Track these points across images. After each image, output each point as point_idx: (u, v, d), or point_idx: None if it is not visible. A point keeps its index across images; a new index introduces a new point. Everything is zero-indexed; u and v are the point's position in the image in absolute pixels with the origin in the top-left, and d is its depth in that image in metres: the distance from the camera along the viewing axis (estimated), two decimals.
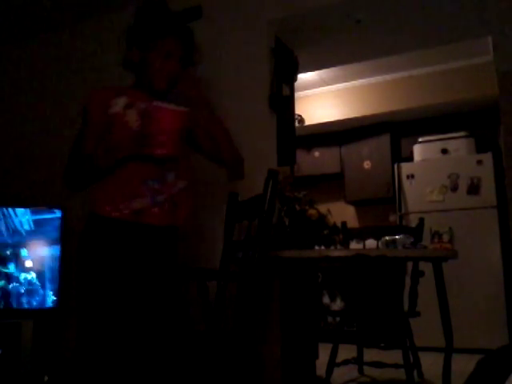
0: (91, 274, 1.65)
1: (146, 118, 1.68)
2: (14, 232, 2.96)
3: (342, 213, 4.87)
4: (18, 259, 2.94)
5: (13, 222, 2.98)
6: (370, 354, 3.21)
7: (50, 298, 2.93)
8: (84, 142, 1.69)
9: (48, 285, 2.94)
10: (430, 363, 3.10)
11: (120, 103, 1.68)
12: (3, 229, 2.96)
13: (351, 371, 3.17)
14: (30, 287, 2.93)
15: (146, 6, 1.80)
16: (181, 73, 1.81)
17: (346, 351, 3.10)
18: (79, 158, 1.67)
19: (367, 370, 3.14)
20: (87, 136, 1.70)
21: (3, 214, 2.97)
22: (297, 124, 3.41)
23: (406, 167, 4.62)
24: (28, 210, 2.99)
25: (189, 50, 1.85)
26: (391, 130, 5.04)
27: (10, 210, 2.98)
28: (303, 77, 4.00)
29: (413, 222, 4.01)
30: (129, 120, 1.67)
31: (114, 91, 1.74)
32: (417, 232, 2.96)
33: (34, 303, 2.91)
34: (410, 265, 2.96)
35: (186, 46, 1.82)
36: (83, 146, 1.68)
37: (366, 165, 5.13)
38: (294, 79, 3.12)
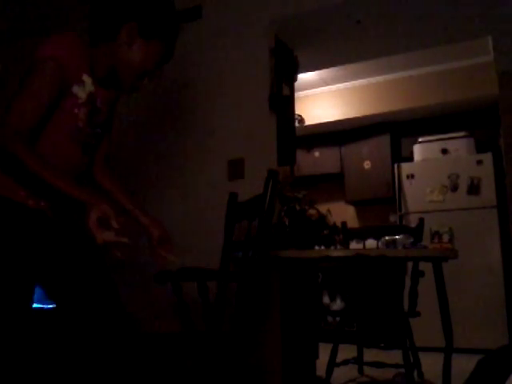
0: None
1: (92, 121, 1.47)
2: None
3: (342, 213, 4.88)
4: None
5: None
6: (369, 354, 3.21)
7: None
8: (27, 105, 1.31)
9: None
10: (430, 363, 3.09)
11: (86, 88, 1.42)
12: None
13: (351, 371, 3.17)
14: None
15: None
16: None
17: (346, 351, 3.10)
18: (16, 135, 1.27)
19: (367, 369, 3.14)
20: (35, 98, 1.32)
21: None
22: (297, 124, 3.41)
23: (405, 167, 4.62)
24: None
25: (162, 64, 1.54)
26: (391, 130, 5.04)
27: None
28: (303, 77, 4.01)
29: (413, 221, 4.01)
30: (79, 116, 1.42)
31: (86, 60, 1.42)
32: (417, 232, 2.96)
33: (34, 303, 2.91)
34: (410, 265, 2.96)
35: (166, 60, 1.53)
36: (23, 112, 1.30)
37: (366, 165, 5.13)
38: (294, 79, 3.12)
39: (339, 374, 2.98)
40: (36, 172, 1.25)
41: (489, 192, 4.20)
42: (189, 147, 2.97)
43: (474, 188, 4.26)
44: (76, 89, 1.39)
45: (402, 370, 2.65)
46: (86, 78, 1.42)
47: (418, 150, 4.66)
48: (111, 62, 1.45)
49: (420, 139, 4.69)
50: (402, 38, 3.28)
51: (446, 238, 4.21)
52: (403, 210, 4.55)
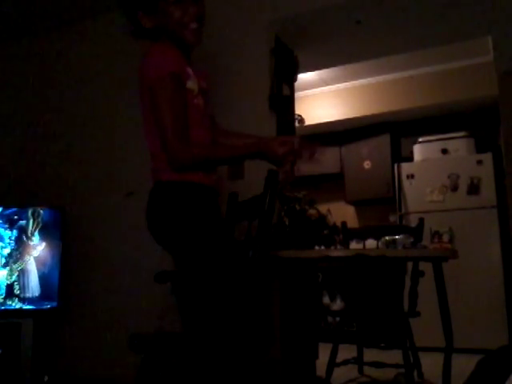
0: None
1: (205, 101, 1.63)
2: (15, 232, 2.96)
3: (342, 213, 4.87)
4: (18, 259, 2.94)
5: (13, 221, 2.98)
6: (370, 354, 3.21)
7: (50, 297, 2.93)
8: (183, 117, 1.51)
9: (48, 285, 2.94)
10: (430, 363, 3.09)
11: (193, 80, 1.56)
12: (3, 228, 2.96)
13: (351, 371, 3.17)
14: (31, 287, 2.93)
15: None
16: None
17: (346, 351, 3.10)
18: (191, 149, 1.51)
19: (367, 369, 3.14)
20: (183, 107, 1.52)
21: (4, 214, 2.97)
22: (297, 124, 3.41)
23: (405, 167, 4.62)
24: (28, 210, 2.99)
25: None
26: (391, 130, 5.04)
27: (11, 210, 2.98)
28: (303, 77, 4.00)
29: (413, 221, 4.01)
30: (200, 105, 1.59)
31: (182, 56, 1.59)
32: (417, 232, 2.96)
33: (35, 303, 2.91)
34: (410, 265, 2.96)
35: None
36: (182, 121, 1.50)
37: (366, 165, 5.13)
38: (294, 79, 3.12)
39: (339, 373, 2.97)
40: (215, 158, 1.56)
41: (489, 192, 4.20)
42: None
43: (474, 188, 4.26)
44: (189, 84, 1.54)
45: (402, 370, 2.65)
46: (190, 71, 1.57)
47: (418, 150, 4.66)
48: (171, 36, 1.59)
49: (420, 139, 4.68)
50: (402, 38, 3.28)
51: (446, 238, 4.20)
52: (403, 210, 4.55)
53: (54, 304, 2.92)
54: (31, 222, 2.97)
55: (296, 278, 2.74)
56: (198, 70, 1.67)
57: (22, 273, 2.93)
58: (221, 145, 1.68)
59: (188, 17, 1.57)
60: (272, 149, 1.50)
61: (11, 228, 2.97)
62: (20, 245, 2.95)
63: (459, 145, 4.48)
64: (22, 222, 2.97)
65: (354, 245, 3.15)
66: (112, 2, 3.12)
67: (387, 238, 2.68)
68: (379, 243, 2.78)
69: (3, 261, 2.93)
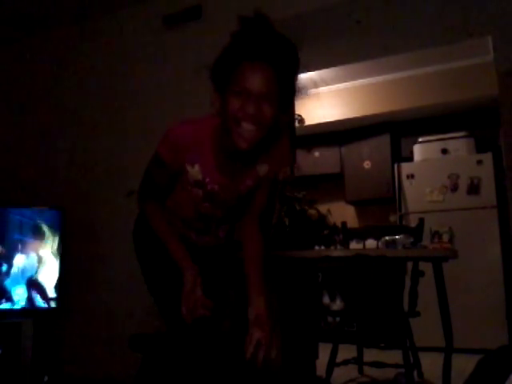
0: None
1: (210, 199, 1.58)
2: (15, 232, 2.96)
3: (342, 213, 4.87)
4: (18, 259, 2.94)
5: (14, 222, 2.97)
6: (370, 354, 3.21)
7: (51, 297, 2.93)
8: (156, 187, 1.66)
9: (48, 285, 2.94)
10: (430, 363, 3.10)
11: (191, 176, 1.53)
12: (3, 229, 2.96)
13: (351, 371, 3.17)
14: (31, 287, 2.93)
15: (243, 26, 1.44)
16: (278, 121, 1.40)
17: (346, 351, 3.10)
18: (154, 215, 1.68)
19: (367, 370, 3.14)
20: (159, 181, 1.63)
21: (3, 214, 2.97)
22: (297, 124, 3.41)
23: (405, 167, 4.62)
24: (28, 210, 2.99)
25: (287, 84, 1.41)
26: (391, 130, 5.04)
27: (11, 210, 2.98)
28: (303, 77, 4.00)
29: (413, 221, 4.01)
30: (193, 193, 1.57)
31: (192, 148, 1.47)
32: (417, 232, 2.96)
33: (34, 303, 2.91)
34: (410, 265, 2.96)
35: (282, 78, 1.38)
36: (154, 187, 1.67)
37: (366, 165, 5.13)
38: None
39: (339, 373, 2.98)
40: (153, 226, 1.66)
41: (489, 192, 4.20)
42: None
43: (473, 188, 4.26)
44: (189, 174, 1.53)
45: (402, 370, 2.65)
46: (190, 169, 1.51)
47: (418, 150, 4.66)
48: (225, 126, 1.39)
49: (420, 139, 4.69)
50: (401, 38, 3.28)
51: (446, 237, 4.20)
52: (403, 210, 4.55)
53: (54, 304, 2.92)
54: (31, 222, 2.97)
55: (296, 277, 2.74)
56: (237, 177, 1.55)
57: (23, 273, 2.93)
58: (170, 232, 1.64)
59: (243, 113, 1.31)
60: (184, 280, 1.50)
61: (11, 228, 2.97)
62: (20, 245, 2.95)
63: (459, 145, 4.48)
64: (22, 222, 2.97)
65: (354, 245, 3.15)
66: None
67: (387, 238, 2.68)
68: (379, 243, 2.78)
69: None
